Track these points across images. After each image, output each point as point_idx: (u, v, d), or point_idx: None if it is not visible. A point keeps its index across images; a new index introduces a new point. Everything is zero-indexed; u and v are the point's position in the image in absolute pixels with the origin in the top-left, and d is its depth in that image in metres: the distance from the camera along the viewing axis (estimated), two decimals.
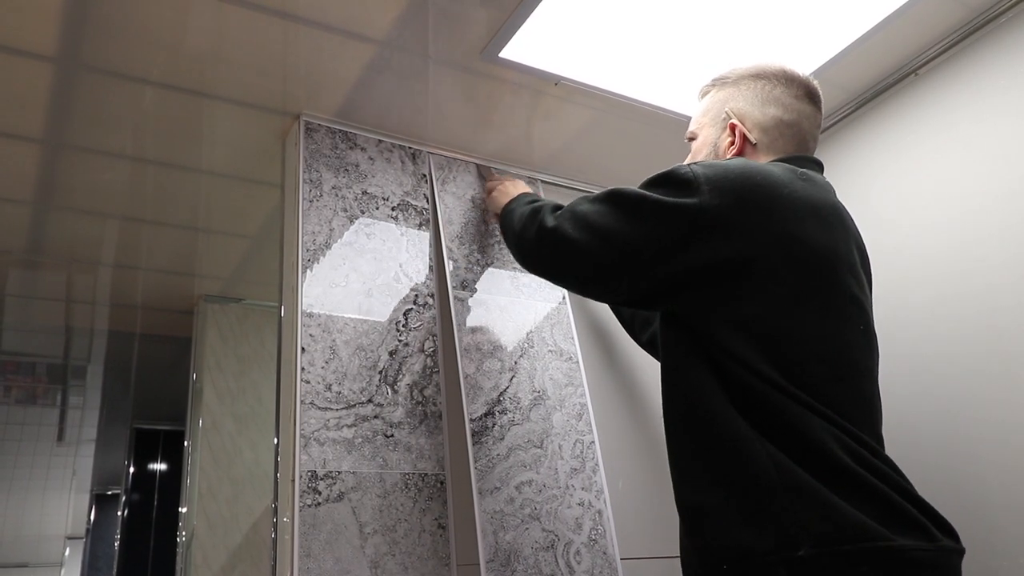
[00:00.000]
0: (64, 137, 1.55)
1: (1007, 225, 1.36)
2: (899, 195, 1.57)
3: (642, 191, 1.03)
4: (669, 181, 1.01)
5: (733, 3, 1.35)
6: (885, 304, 1.52)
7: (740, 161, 1.02)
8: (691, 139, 1.23)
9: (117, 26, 1.27)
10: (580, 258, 1.06)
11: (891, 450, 1.00)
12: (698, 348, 0.97)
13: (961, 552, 0.90)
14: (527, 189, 1.49)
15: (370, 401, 1.38)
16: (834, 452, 0.86)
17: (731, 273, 0.94)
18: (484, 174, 1.73)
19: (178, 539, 2.22)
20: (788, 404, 0.89)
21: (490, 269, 1.62)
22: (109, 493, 5.88)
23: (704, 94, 1.23)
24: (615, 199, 1.05)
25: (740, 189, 0.95)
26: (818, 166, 1.13)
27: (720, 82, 1.19)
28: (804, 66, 1.52)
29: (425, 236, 1.58)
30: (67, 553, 7.31)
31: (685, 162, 1.22)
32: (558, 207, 1.16)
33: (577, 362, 1.62)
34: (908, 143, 1.57)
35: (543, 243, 1.13)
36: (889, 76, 1.60)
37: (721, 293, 0.95)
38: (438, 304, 1.54)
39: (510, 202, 1.36)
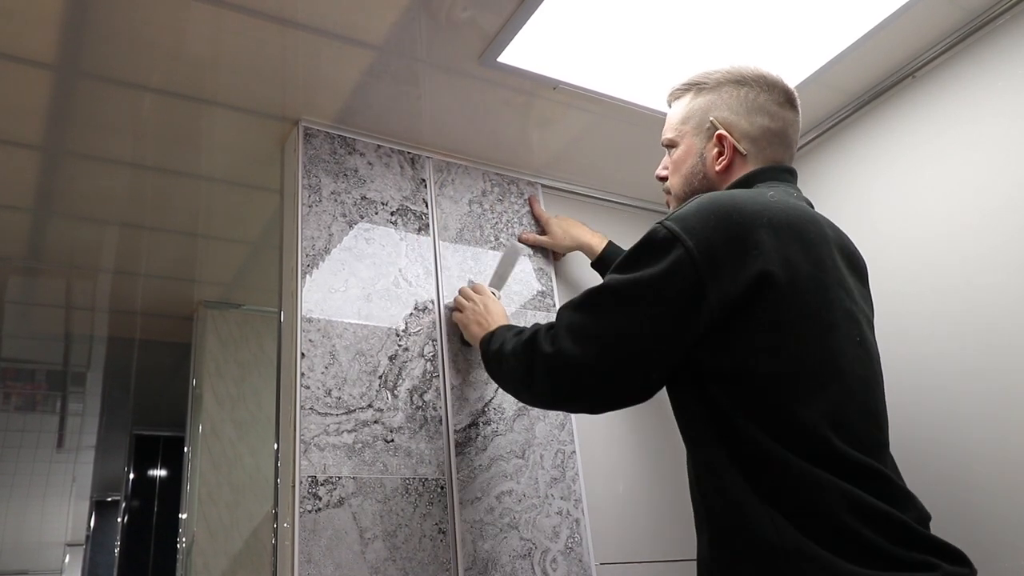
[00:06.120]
0: (63, 144, 1.55)
1: (1006, 226, 1.36)
2: (897, 197, 1.57)
3: (628, 275, 0.97)
4: (650, 248, 0.96)
5: (731, 7, 1.36)
6: (883, 308, 1.52)
7: (707, 202, 0.97)
8: (669, 145, 1.19)
9: (116, 33, 1.27)
10: (601, 375, 0.98)
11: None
12: (706, 408, 0.95)
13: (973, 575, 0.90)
14: (502, 312, 1.39)
15: (370, 406, 1.38)
16: (836, 514, 0.85)
17: (732, 314, 0.92)
18: (533, 208, 1.76)
19: (178, 545, 2.21)
20: (789, 459, 0.87)
21: (482, 278, 1.62)
22: (109, 499, 5.88)
23: (676, 98, 1.18)
24: (605, 295, 0.99)
25: (721, 231, 0.93)
26: (792, 175, 1.12)
27: (697, 87, 1.15)
28: (802, 69, 1.53)
29: (424, 241, 1.58)
30: (67, 560, 7.31)
31: (660, 168, 1.21)
32: (549, 327, 1.06)
33: None
34: (906, 145, 1.57)
35: (553, 377, 1.03)
36: (887, 79, 1.60)
37: (720, 338, 0.93)
38: (438, 309, 1.54)
39: (491, 338, 1.25)
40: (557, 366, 1.01)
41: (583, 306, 1.01)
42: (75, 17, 1.23)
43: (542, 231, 1.75)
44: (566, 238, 1.70)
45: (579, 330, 1.00)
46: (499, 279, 1.54)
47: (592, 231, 1.70)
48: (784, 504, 0.87)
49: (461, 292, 1.49)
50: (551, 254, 1.76)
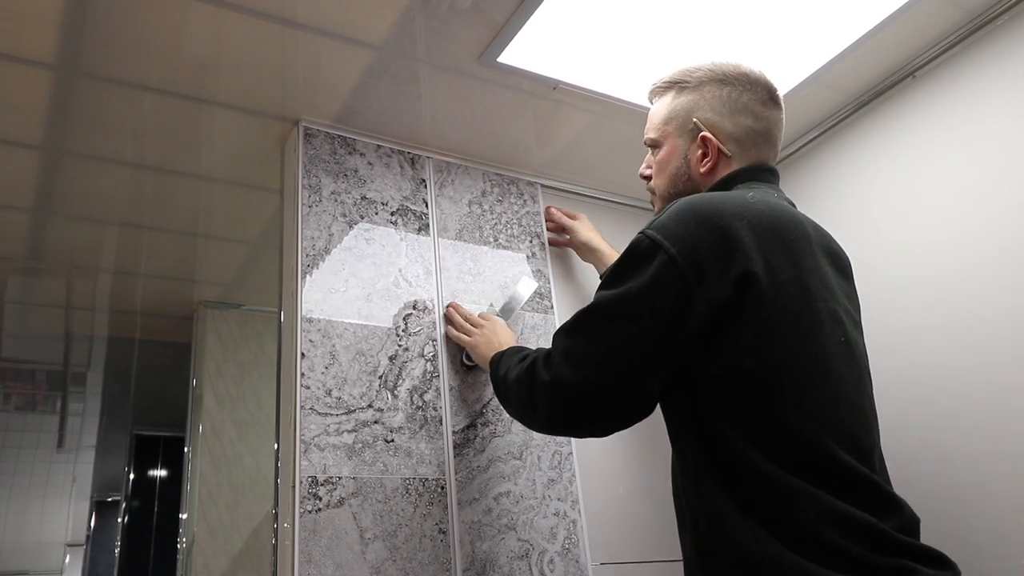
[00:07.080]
0: (63, 144, 1.55)
1: (1007, 226, 1.36)
2: (898, 196, 1.57)
3: (615, 291, 0.97)
4: (634, 260, 0.96)
5: (730, 6, 1.36)
6: (883, 308, 1.53)
7: (687, 206, 0.97)
8: (652, 145, 1.18)
9: (116, 33, 1.27)
10: (600, 395, 0.97)
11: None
12: (689, 414, 0.96)
13: None
14: (508, 333, 1.39)
15: (370, 406, 1.38)
16: (815, 525, 0.85)
17: (720, 317, 0.91)
18: (552, 219, 1.77)
19: (178, 546, 2.21)
20: (769, 468, 0.87)
21: (480, 279, 1.62)
22: (109, 500, 5.88)
23: (658, 96, 1.17)
24: (594, 315, 0.99)
25: (703, 234, 0.92)
26: (774, 175, 1.11)
27: (679, 86, 1.13)
28: (802, 69, 1.53)
29: (424, 241, 1.59)
30: (67, 560, 7.31)
31: (644, 166, 1.21)
32: (546, 355, 1.05)
33: None
34: (906, 145, 1.57)
35: (554, 404, 1.02)
36: (887, 78, 1.60)
37: (707, 342, 0.93)
38: (438, 309, 1.54)
39: (499, 361, 1.24)
40: (556, 393, 1.01)
41: (575, 329, 1.01)
42: (75, 17, 1.23)
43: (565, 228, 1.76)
44: (586, 234, 1.71)
45: (573, 354, 0.99)
46: (508, 311, 1.54)
47: (611, 247, 1.68)
48: (762, 514, 0.87)
49: (470, 320, 1.47)
50: (549, 255, 1.76)
